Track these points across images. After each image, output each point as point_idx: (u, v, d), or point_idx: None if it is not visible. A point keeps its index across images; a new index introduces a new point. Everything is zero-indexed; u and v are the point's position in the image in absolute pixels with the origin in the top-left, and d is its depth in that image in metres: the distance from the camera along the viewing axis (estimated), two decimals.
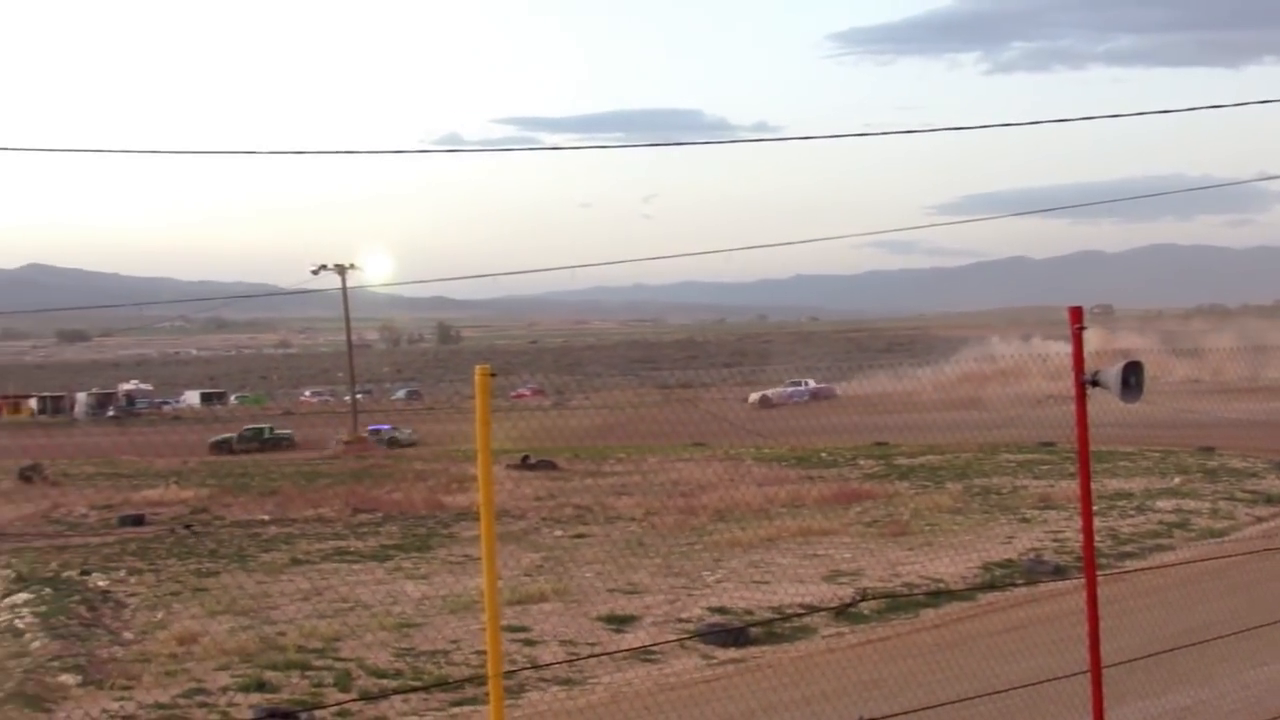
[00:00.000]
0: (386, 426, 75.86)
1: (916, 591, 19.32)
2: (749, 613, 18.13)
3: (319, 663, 15.74)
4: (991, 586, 19.43)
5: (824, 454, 47.87)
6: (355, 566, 25.09)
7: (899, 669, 14.18)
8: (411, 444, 71.36)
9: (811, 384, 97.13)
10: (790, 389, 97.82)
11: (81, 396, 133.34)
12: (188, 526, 34.16)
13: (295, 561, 26.27)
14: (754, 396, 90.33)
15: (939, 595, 18.81)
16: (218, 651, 16.40)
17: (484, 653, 15.16)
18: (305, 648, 16.67)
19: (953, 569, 20.92)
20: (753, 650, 16.01)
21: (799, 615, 17.39)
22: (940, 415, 49.73)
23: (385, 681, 14.80)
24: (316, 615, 19.17)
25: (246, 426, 77.71)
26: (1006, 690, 9.47)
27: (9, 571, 25.16)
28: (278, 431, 77.27)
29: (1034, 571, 20.63)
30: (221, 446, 71.87)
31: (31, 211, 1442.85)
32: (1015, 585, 19.34)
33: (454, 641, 16.78)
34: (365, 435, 73.20)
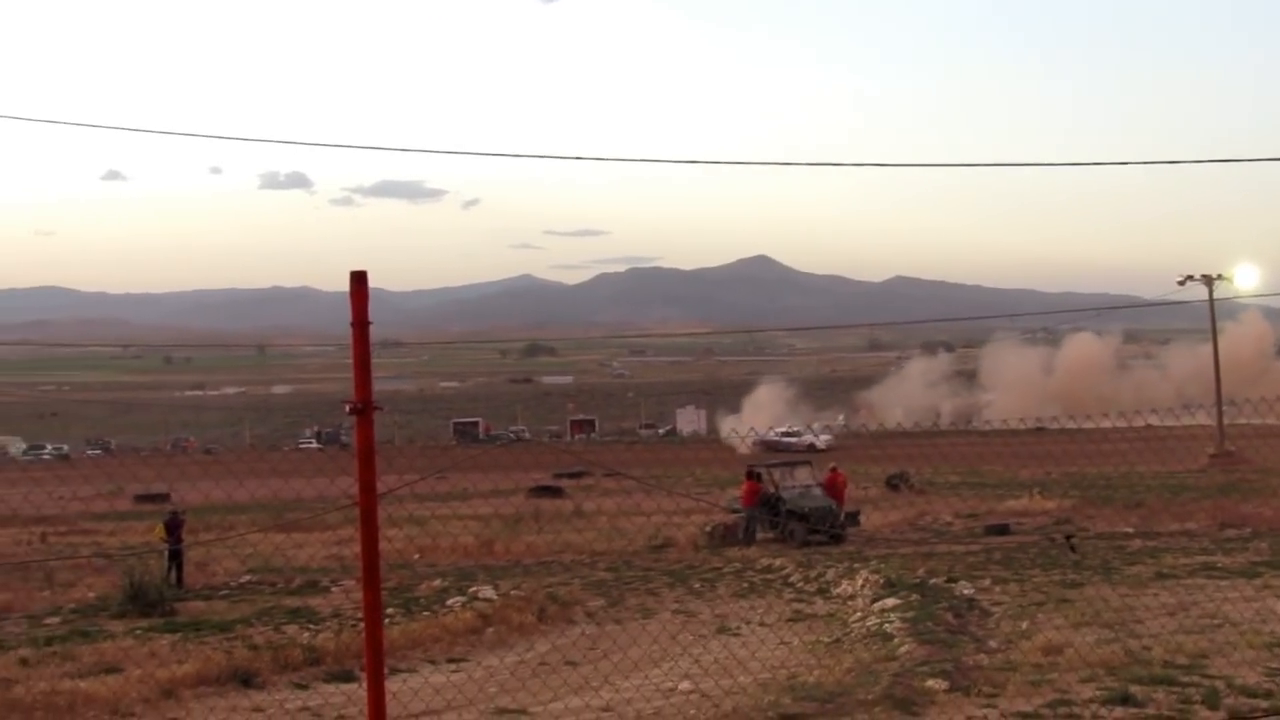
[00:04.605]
0: None
1: None
2: None
3: (1185, 679, 15.56)
4: None
5: None
6: (1222, 583, 24.38)
7: None
8: None
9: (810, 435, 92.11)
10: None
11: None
12: (1069, 537, 34.65)
13: (1160, 575, 25.95)
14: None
15: None
16: (1082, 663, 16.57)
17: None
18: (1171, 663, 16.52)
19: None
20: None
21: None
22: None
23: (1256, 701, 14.40)
24: (1182, 631, 18.90)
25: None
26: None
27: (878, 576, 26.66)
28: None
29: None
30: None
31: (897, 225, 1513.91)
32: None
33: None
34: None
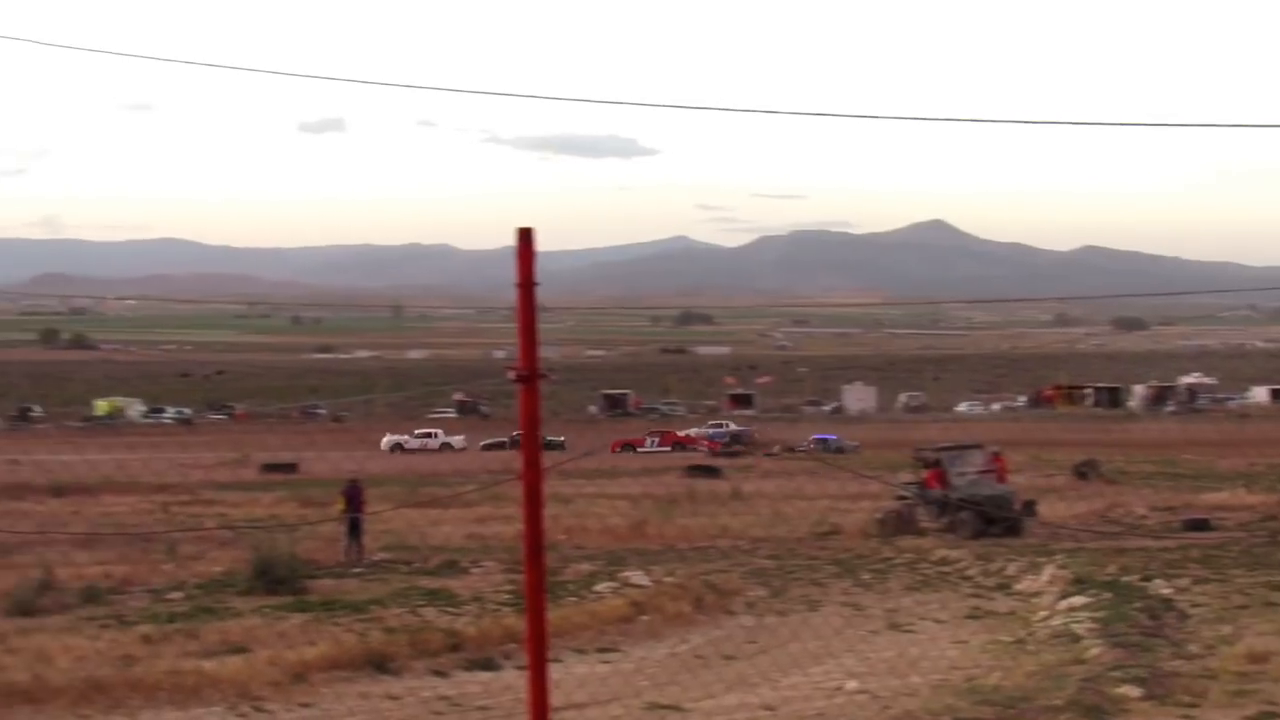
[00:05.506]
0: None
1: None
2: None
3: None
4: None
5: None
6: None
7: None
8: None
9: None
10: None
11: (1139, 389, 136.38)
12: (1274, 535, 34.05)
13: None
14: None
15: None
16: None
17: None
18: None
19: None
20: None
21: None
22: None
23: None
24: None
25: None
26: None
27: (1065, 572, 26.39)
28: None
29: None
30: None
31: (1088, 191, 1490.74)
32: None
33: None
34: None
